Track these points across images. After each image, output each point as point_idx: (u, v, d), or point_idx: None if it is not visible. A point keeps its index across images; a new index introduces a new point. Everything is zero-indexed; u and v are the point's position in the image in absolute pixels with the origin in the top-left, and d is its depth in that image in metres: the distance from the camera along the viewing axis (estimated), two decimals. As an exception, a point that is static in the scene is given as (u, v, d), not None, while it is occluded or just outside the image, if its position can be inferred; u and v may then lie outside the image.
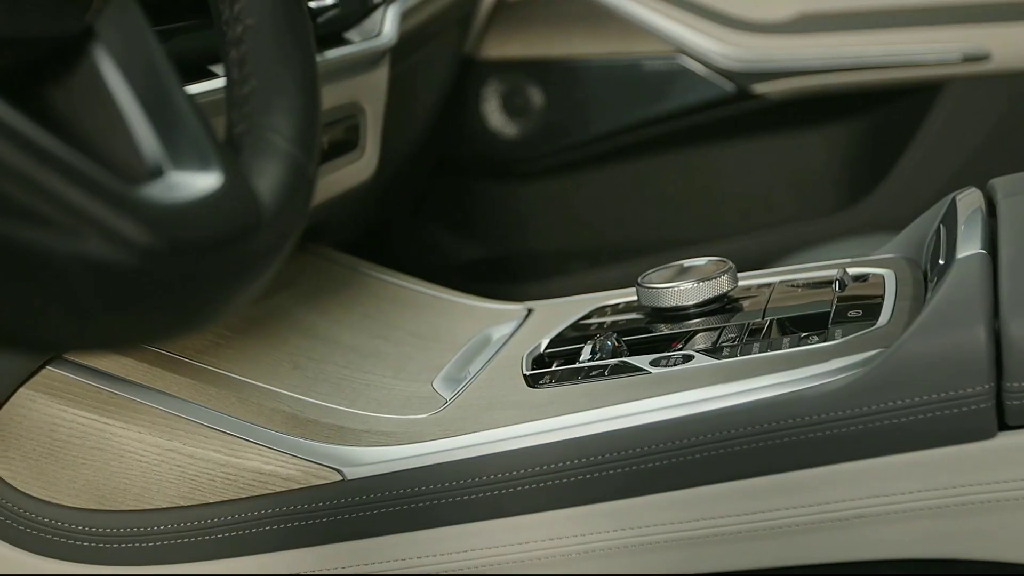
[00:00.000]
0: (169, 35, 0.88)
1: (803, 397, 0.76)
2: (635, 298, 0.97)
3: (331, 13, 1.03)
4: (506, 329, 1.00)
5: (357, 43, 1.07)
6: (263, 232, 0.53)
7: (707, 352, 0.84)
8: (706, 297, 0.91)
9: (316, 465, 0.82)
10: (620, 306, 0.99)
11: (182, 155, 0.52)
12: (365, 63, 1.08)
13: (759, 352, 0.82)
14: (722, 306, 0.92)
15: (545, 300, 1.06)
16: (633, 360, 0.85)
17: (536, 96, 1.69)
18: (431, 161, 1.71)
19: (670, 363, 0.83)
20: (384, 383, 0.91)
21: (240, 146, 0.57)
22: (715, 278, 0.92)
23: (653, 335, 0.91)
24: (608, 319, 0.96)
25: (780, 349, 0.82)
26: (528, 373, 0.88)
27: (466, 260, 1.77)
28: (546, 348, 0.93)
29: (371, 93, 1.10)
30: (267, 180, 0.55)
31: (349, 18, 1.08)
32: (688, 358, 0.84)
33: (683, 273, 0.94)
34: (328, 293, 1.03)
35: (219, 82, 0.89)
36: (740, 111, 1.63)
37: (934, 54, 1.55)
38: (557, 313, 1.01)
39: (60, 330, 0.44)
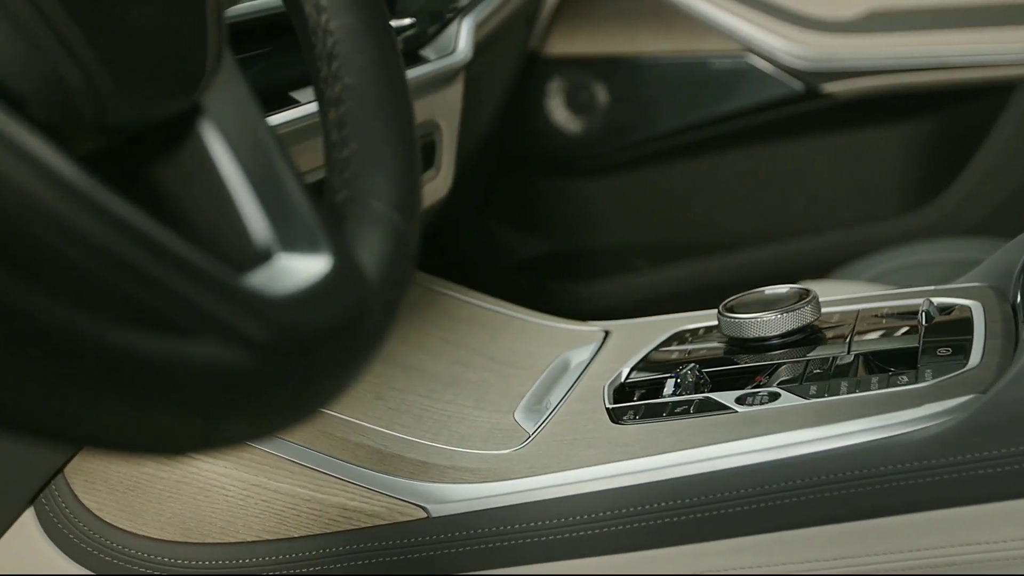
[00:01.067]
0: (248, 63, 0.88)
1: (895, 444, 0.75)
2: (714, 322, 0.96)
3: (409, 32, 1.02)
4: (584, 354, 0.99)
5: (433, 61, 1.06)
6: (372, 310, 0.53)
7: (793, 389, 0.83)
8: (789, 328, 0.90)
9: (401, 502, 0.82)
10: (700, 332, 0.98)
11: (291, 237, 0.51)
12: (441, 80, 1.08)
13: (847, 392, 0.81)
14: (806, 336, 0.91)
15: (621, 321, 1.06)
16: (718, 397, 0.84)
17: (601, 93, 1.68)
18: (495, 158, 1.71)
19: (756, 401, 0.83)
20: (466, 414, 0.90)
21: (343, 215, 0.57)
22: (798, 309, 0.91)
23: (736, 367, 0.90)
24: (688, 347, 0.96)
25: (869, 390, 0.81)
26: (611, 407, 0.87)
27: (528, 256, 1.77)
28: (627, 378, 0.92)
29: (446, 110, 1.09)
30: (372, 253, 0.55)
31: (424, 35, 1.07)
32: (774, 396, 0.83)
33: (765, 302, 0.93)
34: (404, 315, 1.03)
35: (301, 110, 0.89)
36: (807, 110, 1.62)
37: (1008, 54, 1.53)
38: (635, 337, 1.00)
39: (172, 439, 0.43)
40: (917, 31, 1.56)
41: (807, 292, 0.93)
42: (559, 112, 1.69)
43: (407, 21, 1.02)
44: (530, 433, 0.87)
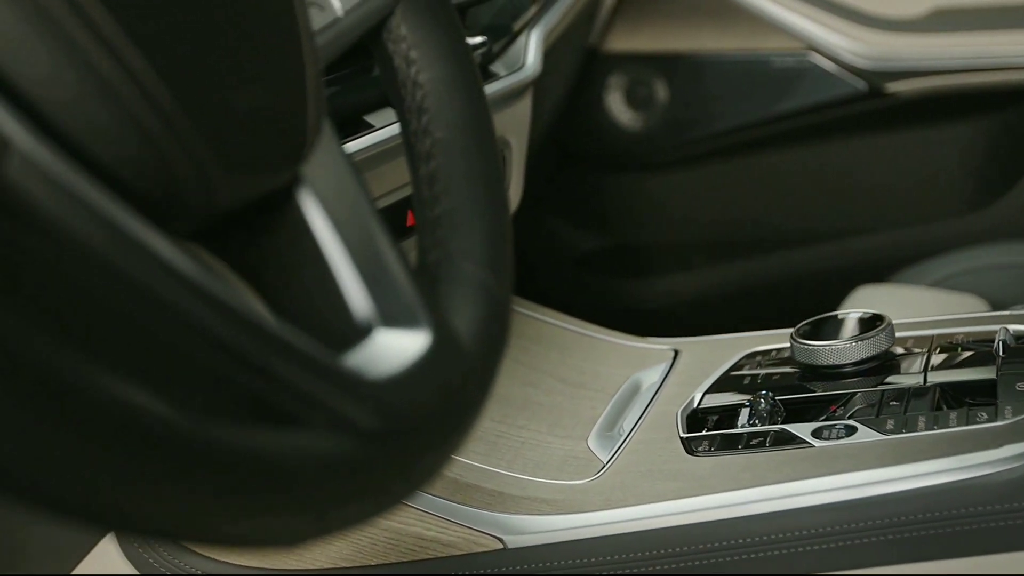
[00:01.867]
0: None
1: (974, 486, 0.75)
2: (785, 344, 0.96)
3: (481, 51, 1.02)
4: (654, 375, 0.99)
5: (503, 77, 1.06)
6: (470, 382, 0.53)
7: (870, 423, 0.83)
8: (864, 356, 0.90)
9: (477, 532, 0.82)
10: (772, 355, 0.98)
11: (391, 311, 0.52)
12: (510, 96, 1.07)
13: (925, 428, 0.81)
14: (880, 364, 0.91)
15: (690, 339, 1.06)
16: (794, 429, 0.84)
17: (661, 90, 1.67)
18: (554, 153, 1.70)
19: (832, 435, 0.83)
20: (539, 440, 0.91)
21: (436, 277, 0.57)
22: (873, 337, 0.90)
23: (810, 396, 0.90)
24: (760, 371, 0.95)
25: (947, 426, 0.81)
26: (685, 436, 0.88)
27: (585, 252, 1.76)
28: (699, 403, 0.92)
29: (516, 125, 1.09)
30: (468, 320, 0.55)
31: (493, 50, 1.07)
32: (851, 430, 0.83)
33: (839, 327, 0.93)
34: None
35: (376, 135, 0.89)
36: (870, 109, 1.60)
37: (1076, 54, 1.51)
38: (705, 357, 1.00)
39: (280, 534, 0.44)
40: (983, 31, 1.55)
41: (881, 318, 0.93)
42: (618, 108, 1.68)
43: (478, 40, 1.02)
44: (604, 462, 0.87)
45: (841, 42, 1.57)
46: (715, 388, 0.94)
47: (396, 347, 0.50)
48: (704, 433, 0.88)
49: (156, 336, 0.44)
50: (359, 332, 0.51)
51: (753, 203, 1.70)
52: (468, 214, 0.60)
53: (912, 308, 1.23)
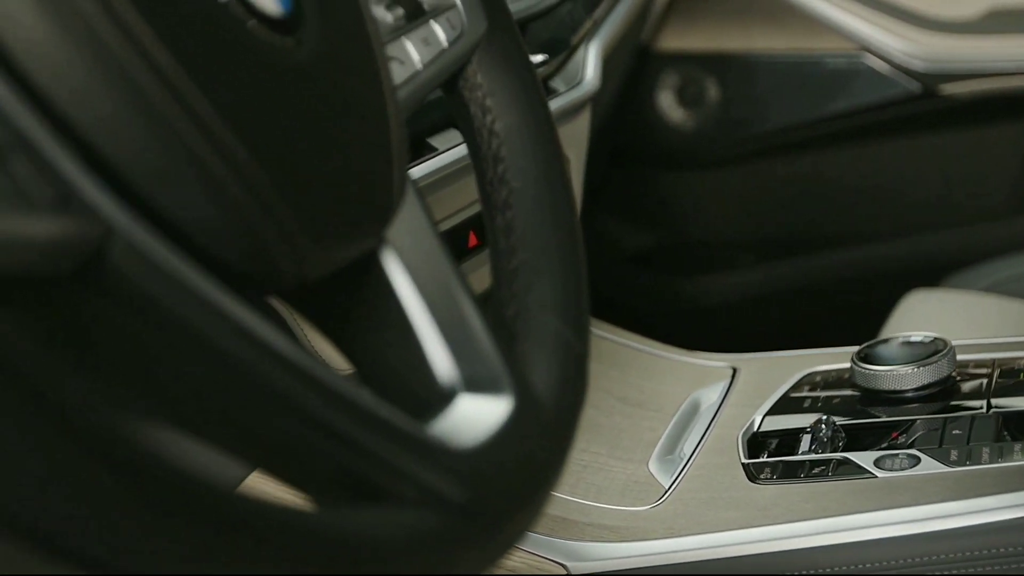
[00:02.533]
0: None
1: (1041, 522, 0.76)
2: (844, 364, 0.97)
3: (542, 70, 1.02)
4: (713, 394, 1.00)
5: (562, 93, 1.06)
6: (552, 443, 0.53)
7: (933, 453, 0.83)
8: (926, 382, 0.90)
9: (541, 558, 0.83)
10: (831, 376, 0.98)
11: (474, 376, 0.52)
12: (569, 112, 1.08)
13: (989, 460, 0.81)
14: (942, 389, 0.91)
15: (748, 355, 1.06)
16: (856, 458, 0.85)
17: (712, 89, 1.67)
18: (605, 151, 1.70)
19: (895, 466, 0.83)
20: (601, 463, 0.91)
21: (515, 332, 0.58)
22: (935, 362, 0.90)
23: (872, 421, 0.90)
24: (820, 393, 0.96)
25: (1012, 459, 0.81)
26: (746, 462, 0.88)
27: (635, 249, 1.77)
28: (760, 426, 0.93)
29: (575, 141, 1.09)
30: (548, 379, 0.55)
31: (553, 66, 1.07)
32: (914, 461, 0.83)
33: (900, 351, 0.93)
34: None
35: (441, 159, 0.89)
36: (923, 110, 1.60)
37: None
38: (764, 376, 1.00)
39: None
40: (1039, 32, 1.54)
41: (944, 343, 0.93)
42: (670, 107, 1.68)
43: (539, 58, 1.02)
44: (666, 488, 0.88)
45: (895, 43, 1.56)
46: (775, 410, 0.95)
47: (480, 414, 0.51)
48: (765, 459, 0.88)
49: (250, 413, 0.44)
50: (443, 397, 0.52)
51: (803, 203, 1.70)
52: (545, 266, 0.60)
53: (967, 316, 1.23)
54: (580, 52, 1.12)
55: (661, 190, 1.75)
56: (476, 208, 0.96)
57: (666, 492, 0.87)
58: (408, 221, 0.55)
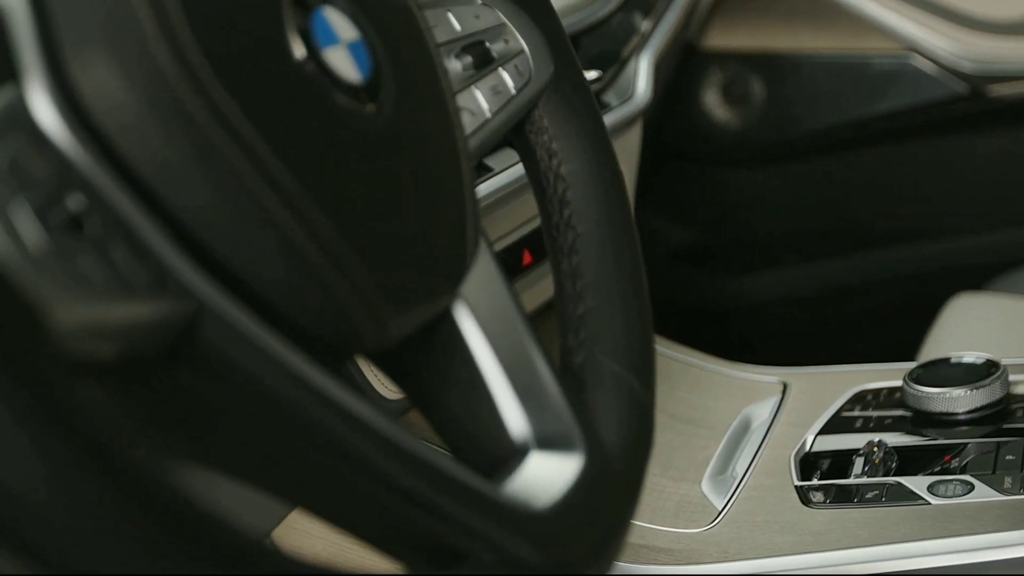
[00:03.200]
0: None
1: (1097, 554, 0.76)
2: (895, 383, 0.97)
3: (596, 86, 1.03)
4: (764, 411, 1.00)
5: (615, 108, 1.07)
6: (622, 500, 0.54)
7: (987, 480, 0.84)
8: (978, 405, 0.91)
9: (595, 580, 0.84)
10: (882, 395, 0.99)
11: (547, 433, 0.53)
12: (621, 126, 1.08)
13: (1044, 488, 0.82)
14: (995, 412, 0.91)
15: (798, 370, 1.07)
16: (910, 484, 0.85)
17: (758, 88, 1.67)
18: (649, 148, 1.70)
19: (949, 492, 0.83)
20: (654, 483, 0.92)
21: (583, 381, 0.58)
22: (988, 385, 0.91)
23: (924, 444, 0.90)
24: (871, 413, 0.96)
25: (1067, 487, 0.81)
26: (799, 484, 0.89)
27: (679, 246, 1.77)
28: (811, 446, 0.93)
29: (626, 155, 1.09)
30: (616, 431, 0.56)
31: (605, 80, 1.08)
32: (968, 487, 0.84)
33: (952, 372, 0.93)
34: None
35: (498, 180, 0.90)
36: (970, 111, 1.59)
37: None
38: (814, 393, 1.01)
39: None
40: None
41: (996, 365, 0.93)
42: (715, 105, 1.68)
43: (593, 75, 1.02)
44: (719, 510, 0.88)
45: (943, 44, 1.55)
46: (827, 429, 0.95)
47: (552, 473, 0.52)
48: (818, 482, 0.89)
49: (335, 479, 0.45)
50: (516, 454, 0.53)
51: (848, 203, 1.70)
52: (612, 314, 0.61)
53: (1014, 322, 1.23)
54: (631, 64, 1.12)
55: (706, 187, 1.76)
56: (531, 226, 0.97)
57: (719, 514, 0.88)
58: (480, 274, 0.55)
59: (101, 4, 0.42)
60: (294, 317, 0.46)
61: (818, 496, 0.87)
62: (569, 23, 1.04)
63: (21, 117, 0.40)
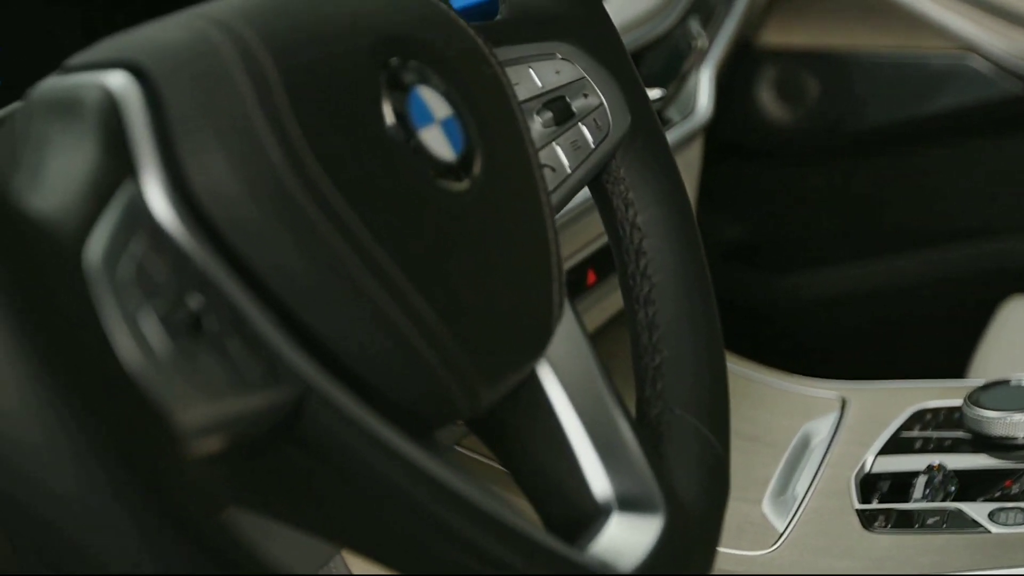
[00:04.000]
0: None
1: None
2: (955, 402, 0.98)
3: (658, 104, 1.04)
4: (824, 428, 1.02)
5: (677, 124, 1.08)
6: (700, 555, 0.56)
7: (1048, 508, 0.85)
8: (1039, 430, 0.92)
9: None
10: (941, 416, 1.00)
11: (628, 493, 0.54)
12: (682, 142, 1.09)
13: (1106, 519, 0.83)
14: (1055, 436, 0.92)
15: (856, 384, 1.08)
16: (970, 510, 0.86)
17: (813, 85, 1.67)
18: (701, 143, 1.71)
19: (1010, 520, 0.85)
20: (715, 503, 0.94)
21: (660, 434, 0.60)
22: (1050, 409, 0.92)
23: (984, 468, 0.91)
24: (931, 433, 0.97)
25: None
26: (860, 508, 0.90)
27: (729, 242, 1.78)
28: (872, 467, 0.95)
29: (688, 171, 1.11)
30: (694, 487, 0.58)
31: (667, 97, 1.09)
32: (1029, 515, 0.85)
33: (1013, 395, 0.94)
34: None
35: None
36: (1025, 111, 1.59)
37: None
38: (873, 410, 1.02)
39: None
40: None
41: (1057, 389, 0.94)
42: (769, 101, 1.68)
43: (657, 93, 1.03)
44: (780, 532, 0.90)
45: (1001, 44, 1.55)
46: (886, 450, 0.96)
47: (634, 533, 0.54)
48: (879, 506, 0.90)
49: (431, 549, 0.47)
50: (600, 514, 0.54)
51: (900, 201, 1.70)
52: (687, 367, 0.62)
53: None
54: (692, 78, 1.13)
55: (757, 183, 1.76)
56: (595, 246, 0.99)
57: (781, 536, 0.89)
58: (564, 334, 0.57)
59: (212, 97, 0.44)
60: (392, 393, 0.47)
61: (879, 520, 0.88)
62: (630, 40, 1.05)
63: (142, 215, 0.41)
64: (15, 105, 0.53)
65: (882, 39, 1.61)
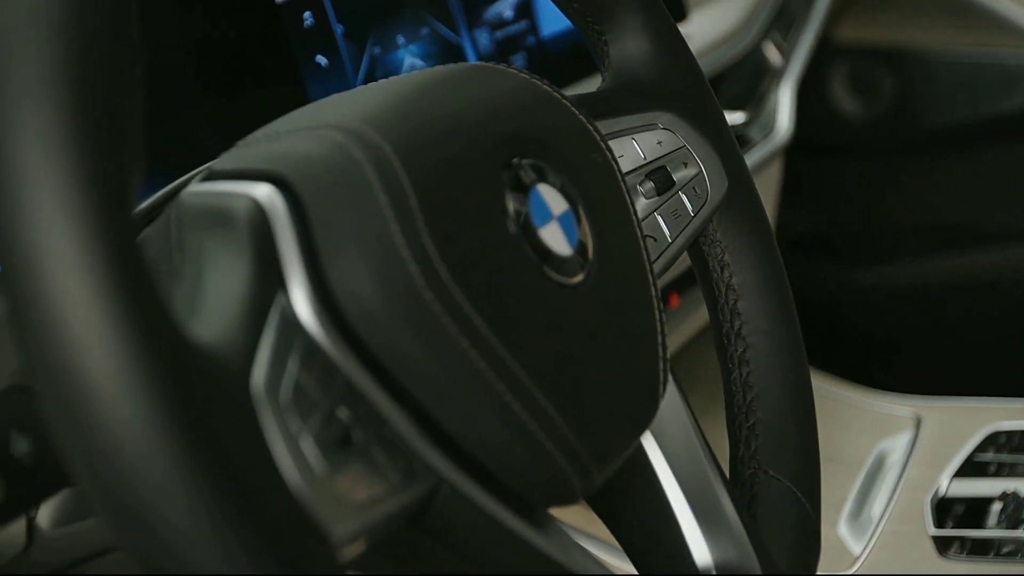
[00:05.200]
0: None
1: None
2: (1030, 424, 1.00)
3: (739, 131, 1.06)
4: (899, 448, 1.04)
5: (757, 144, 1.09)
6: None
7: (1121, 541, 0.87)
8: (1113, 458, 0.94)
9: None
10: (1016, 438, 1.02)
11: (727, 560, 0.58)
12: (763, 162, 1.11)
13: None
14: None
15: (931, 401, 1.09)
16: (1046, 540, 0.89)
17: (887, 81, 1.68)
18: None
19: (1085, 552, 0.87)
20: (793, 524, 0.97)
21: (754, 495, 0.63)
22: (1124, 439, 0.94)
23: (1058, 496, 0.94)
24: (1007, 458, 0.99)
25: None
26: (935, 534, 0.92)
27: (798, 234, 1.79)
28: (947, 490, 0.97)
29: (768, 190, 1.13)
30: (788, 552, 0.61)
31: (749, 118, 1.10)
32: (1103, 548, 0.87)
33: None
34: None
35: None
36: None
37: None
38: (949, 429, 1.04)
39: None
40: None
41: None
42: (843, 96, 1.69)
43: (740, 118, 1.05)
44: (856, 555, 0.93)
45: (1078, 45, 1.55)
46: (961, 472, 0.99)
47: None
48: (954, 532, 0.92)
49: None
50: (698, 577, 0.58)
51: (971, 199, 1.71)
52: (780, 429, 0.65)
53: None
54: (771, 97, 1.14)
55: (827, 176, 1.77)
56: (679, 270, 1.01)
57: (857, 560, 0.92)
58: (668, 406, 0.60)
59: (353, 209, 0.47)
60: (513, 480, 0.50)
61: (954, 547, 0.91)
62: (712, 60, 1.07)
63: (295, 330, 0.44)
64: (160, 194, 0.56)
65: (958, 38, 1.62)
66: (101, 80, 0.40)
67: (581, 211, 0.55)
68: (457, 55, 0.93)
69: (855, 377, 1.18)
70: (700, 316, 1.08)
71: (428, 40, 0.92)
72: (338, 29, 0.86)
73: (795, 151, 1.75)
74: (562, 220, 0.54)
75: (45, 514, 0.54)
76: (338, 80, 0.85)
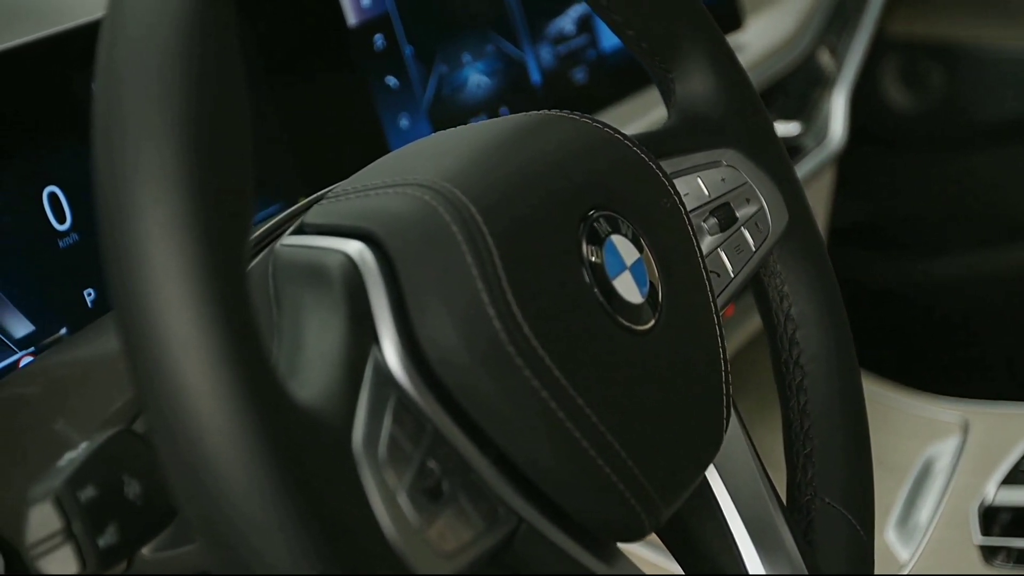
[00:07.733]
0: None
1: None
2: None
3: (792, 143, 1.07)
4: (946, 453, 1.06)
5: (810, 151, 1.11)
6: None
7: None
8: None
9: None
10: (1062, 446, 1.04)
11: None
12: (815, 171, 1.13)
13: None
14: None
15: (978, 405, 1.11)
16: (1090, 553, 0.91)
17: (937, 75, 1.68)
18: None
19: None
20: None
21: (811, 520, 0.66)
22: None
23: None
24: (1053, 467, 1.02)
25: None
26: (982, 544, 0.95)
27: (842, 224, 1.80)
28: (994, 498, 0.99)
29: (820, 198, 1.14)
30: (838, 574, 0.64)
31: (802, 128, 1.12)
32: None
33: None
34: (756, 397, 1.11)
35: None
36: None
37: None
38: (996, 434, 1.06)
39: None
40: None
41: None
42: (891, 88, 1.70)
43: (795, 129, 1.07)
44: (903, 562, 0.95)
45: None
46: (1009, 480, 1.01)
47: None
48: (1001, 542, 0.95)
49: None
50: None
51: (1018, 194, 1.72)
52: (836, 457, 0.68)
53: None
54: (824, 106, 1.16)
55: (873, 168, 1.78)
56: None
57: (904, 567, 0.95)
58: (729, 438, 0.63)
59: (440, 267, 0.49)
60: (586, 518, 0.53)
61: (1001, 556, 0.93)
62: (767, 68, 1.08)
63: (389, 384, 0.47)
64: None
65: (1010, 33, 1.63)
66: (220, 127, 0.43)
67: (651, 260, 0.57)
68: (520, 70, 0.96)
69: (901, 377, 1.20)
70: (754, 322, 1.10)
71: (492, 56, 0.94)
72: (407, 50, 0.88)
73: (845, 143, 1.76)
74: (634, 270, 0.56)
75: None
76: (408, 100, 0.87)
